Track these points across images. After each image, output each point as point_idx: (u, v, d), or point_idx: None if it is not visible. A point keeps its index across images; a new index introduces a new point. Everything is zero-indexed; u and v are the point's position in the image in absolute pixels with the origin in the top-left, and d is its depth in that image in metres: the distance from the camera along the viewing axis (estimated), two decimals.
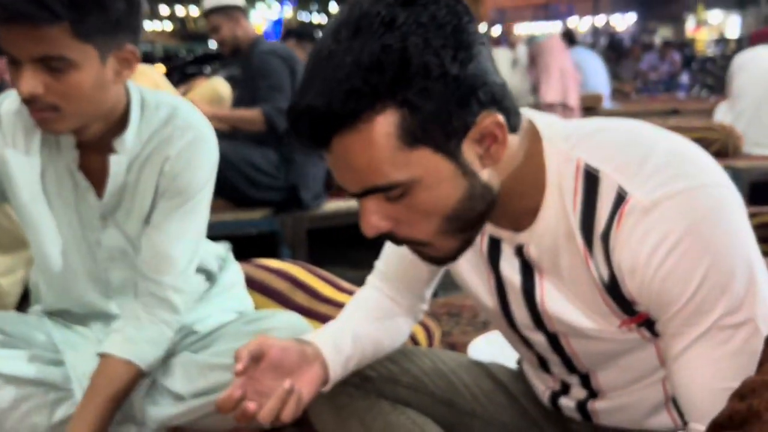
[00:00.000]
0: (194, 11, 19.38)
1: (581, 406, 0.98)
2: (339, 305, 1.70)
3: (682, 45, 12.38)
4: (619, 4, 21.07)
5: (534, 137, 0.80)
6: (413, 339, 1.56)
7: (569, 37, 6.02)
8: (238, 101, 3.07)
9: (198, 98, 3.32)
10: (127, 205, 1.22)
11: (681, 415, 0.81)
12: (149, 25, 20.28)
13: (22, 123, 1.18)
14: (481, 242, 0.90)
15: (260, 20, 18.93)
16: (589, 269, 0.79)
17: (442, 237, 0.78)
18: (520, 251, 0.85)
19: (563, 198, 0.79)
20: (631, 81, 8.75)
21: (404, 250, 1.01)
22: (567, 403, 1.00)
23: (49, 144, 1.20)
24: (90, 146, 1.18)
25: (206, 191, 1.23)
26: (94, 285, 1.27)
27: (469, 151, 0.74)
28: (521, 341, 0.96)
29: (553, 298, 0.85)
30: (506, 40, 8.41)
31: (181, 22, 20.56)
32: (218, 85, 3.50)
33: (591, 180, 0.77)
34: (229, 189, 2.73)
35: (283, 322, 1.26)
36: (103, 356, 1.17)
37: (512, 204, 0.80)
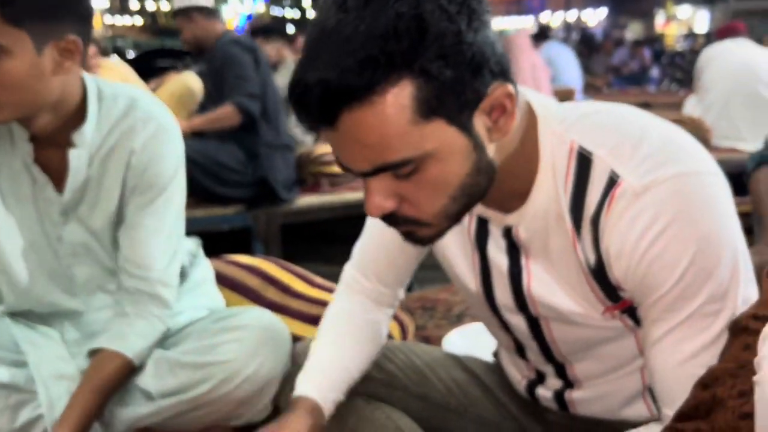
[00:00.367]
0: (165, 6, 19.14)
1: (558, 395, 0.98)
2: (311, 300, 1.69)
3: (652, 41, 12.54)
4: None
5: (530, 117, 0.79)
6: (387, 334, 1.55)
7: (543, 32, 6.05)
8: (208, 96, 3.07)
9: (169, 93, 3.32)
10: (91, 199, 1.19)
11: (657, 403, 0.81)
12: (119, 20, 20.05)
13: None
14: (469, 223, 0.89)
15: (232, 15, 18.75)
16: (576, 253, 0.79)
17: (445, 217, 0.75)
18: (508, 233, 0.84)
19: (556, 179, 0.78)
20: (602, 75, 8.83)
21: (384, 238, 0.99)
22: (544, 393, 0.99)
23: (2, 139, 1.16)
24: (48, 140, 1.14)
25: (177, 181, 1.21)
26: (57, 283, 1.24)
27: (479, 123, 0.72)
28: (500, 325, 0.95)
29: (539, 281, 0.84)
30: None
31: (152, 17, 20.32)
32: (189, 80, 3.47)
33: (584, 162, 0.76)
34: (199, 189, 2.70)
35: (254, 319, 1.24)
36: (92, 352, 1.17)
37: (505, 183, 0.78)
